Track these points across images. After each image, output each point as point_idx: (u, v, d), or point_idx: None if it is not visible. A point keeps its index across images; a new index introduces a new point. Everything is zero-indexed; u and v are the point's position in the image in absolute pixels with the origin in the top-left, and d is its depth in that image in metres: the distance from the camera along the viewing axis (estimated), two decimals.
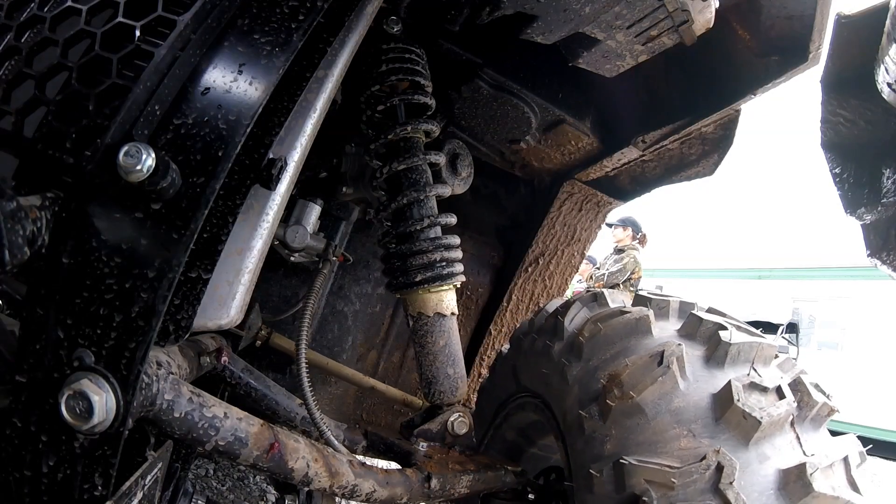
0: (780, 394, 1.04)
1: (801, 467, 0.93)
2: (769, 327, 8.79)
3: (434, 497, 1.28)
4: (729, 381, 1.03)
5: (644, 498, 0.97)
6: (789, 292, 12.59)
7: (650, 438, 1.04)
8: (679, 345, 1.13)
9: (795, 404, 1.05)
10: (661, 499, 0.95)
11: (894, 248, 1.65)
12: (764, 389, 1.04)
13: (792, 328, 9.62)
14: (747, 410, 0.98)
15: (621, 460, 1.03)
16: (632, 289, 6.04)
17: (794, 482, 0.93)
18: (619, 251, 6.46)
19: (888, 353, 9.73)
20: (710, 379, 1.08)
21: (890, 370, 9.39)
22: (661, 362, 1.10)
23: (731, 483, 0.92)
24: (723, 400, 1.02)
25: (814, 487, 0.91)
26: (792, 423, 1.02)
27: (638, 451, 1.03)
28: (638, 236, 6.48)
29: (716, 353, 1.12)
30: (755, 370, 1.10)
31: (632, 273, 6.21)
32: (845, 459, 1.00)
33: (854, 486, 0.97)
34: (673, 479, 0.96)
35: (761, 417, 0.97)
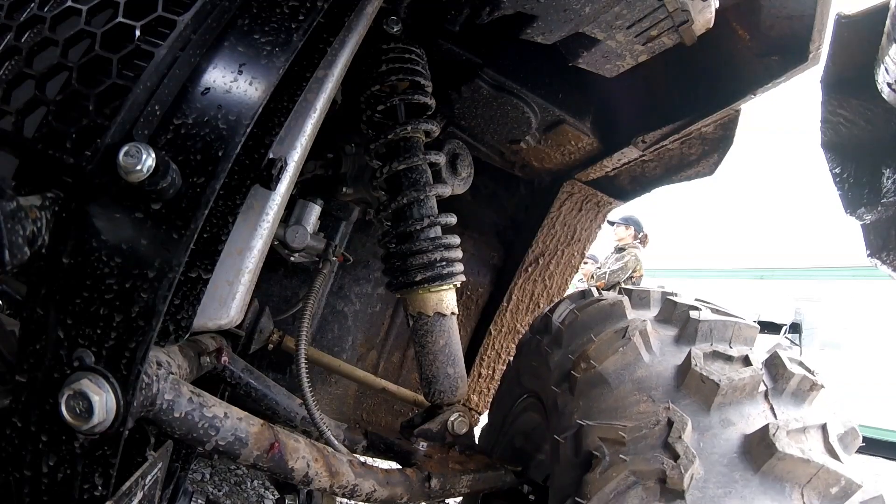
0: (745, 362, 1.04)
1: (765, 429, 0.91)
2: (773, 327, 8.78)
3: (434, 497, 1.28)
4: (690, 350, 1.05)
5: (596, 453, 0.98)
6: (791, 292, 12.56)
7: (612, 405, 1.06)
8: (643, 320, 1.16)
9: (765, 373, 1.03)
10: (613, 454, 0.96)
11: (894, 248, 1.65)
12: (729, 358, 1.05)
13: (795, 328, 9.62)
14: (704, 374, 0.99)
15: (579, 422, 1.05)
16: None
17: (758, 444, 0.90)
18: (619, 250, 6.46)
19: (889, 353, 9.71)
20: (677, 353, 1.10)
21: (891, 370, 9.38)
22: (623, 335, 1.14)
23: (679, 437, 0.91)
24: (683, 367, 1.04)
25: (777, 448, 0.87)
26: (766, 396, 1.01)
27: (600, 418, 1.05)
28: (640, 236, 6.48)
29: (685, 331, 1.14)
30: (730, 346, 1.11)
31: (633, 271, 6.21)
32: (823, 427, 0.97)
33: (832, 453, 0.93)
34: (623, 435, 0.97)
35: (719, 380, 0.97)
